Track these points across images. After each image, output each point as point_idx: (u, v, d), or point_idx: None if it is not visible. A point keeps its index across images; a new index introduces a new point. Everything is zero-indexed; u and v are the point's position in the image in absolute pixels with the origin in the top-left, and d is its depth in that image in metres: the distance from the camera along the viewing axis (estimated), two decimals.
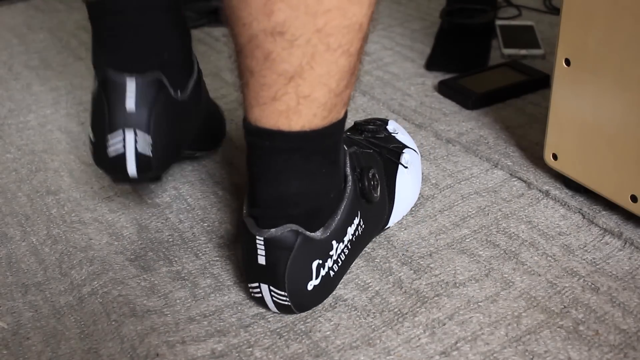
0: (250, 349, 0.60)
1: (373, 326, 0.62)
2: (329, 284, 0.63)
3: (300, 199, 0.60)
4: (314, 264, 0.61)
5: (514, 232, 0.72)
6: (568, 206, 0.75)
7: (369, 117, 0.95)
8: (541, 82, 1.00)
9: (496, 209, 0.76)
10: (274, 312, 0.63)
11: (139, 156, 0.62)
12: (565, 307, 0.62)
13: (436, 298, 0.64)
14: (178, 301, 0.66)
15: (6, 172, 0.89)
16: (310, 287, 0.61)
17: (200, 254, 0.71)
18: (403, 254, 0.70)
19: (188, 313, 0.64)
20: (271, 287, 0.60)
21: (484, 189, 0.79)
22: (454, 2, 1.24)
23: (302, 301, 0.62)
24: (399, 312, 0.63)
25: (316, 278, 0.61)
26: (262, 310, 0.64)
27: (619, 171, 0.69)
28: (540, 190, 0.78)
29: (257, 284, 0.61)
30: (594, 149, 0.71)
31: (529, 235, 0.71)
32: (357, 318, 0.63)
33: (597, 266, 0.67)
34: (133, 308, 0.65)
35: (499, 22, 1.22)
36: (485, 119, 0.94)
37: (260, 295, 0.61)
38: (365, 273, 0.68)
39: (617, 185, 0.69)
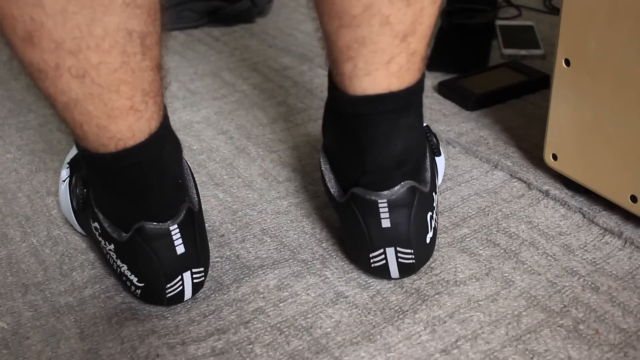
0: (251, 346, 0.60)
1: (374, 323, 0.62)
2: (435, 235, 0.66)
3: (406, 155, 0.62)
4: (428, 216, 0.63)
5: (514, 232, 0.72)
6: (568, 206, 0.75)
7: None
8: (541, 82, 1.00)
9: (496, 209, 0.76)
10: (391, 281, 0.65)
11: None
12: (565, 306, 0.62)
13: (437, 296, 0.64)
14: (179, 304, 0.65)
15: (6, 172, 0.89)
16: (428, 240, 0.64)
17: None
18: None
19: (188, 314, 0.64)
20: (397, 249, 0.62)
21: (484, 190, 0.79)
22: (454, 2, 1.24)
23: (423, 256, 0.64)
24: (399, 309, 0.63)
25: (430, 230, 0.64)
26: (261, 305, 0.64)
27: (619, 171, 0.69)
28: (540, 191, 0.78)
29: (381, 251, 0.62)
30: (594, 149, 0.71)
31: (529, 234, 0.72)
32: (358, 315, 0.63)
33: (597, 266, 0.67)
34: (134, 312, 0.65)
35: (499, 22, 1.22)
36: (485, 120, 0.94)
37: (384, 261, 0.63)
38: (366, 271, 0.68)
39: (617, 185, 0.69)
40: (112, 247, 0.63)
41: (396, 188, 0.61)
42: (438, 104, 0.99)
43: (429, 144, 0.70)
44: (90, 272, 0.70)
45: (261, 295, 0.66)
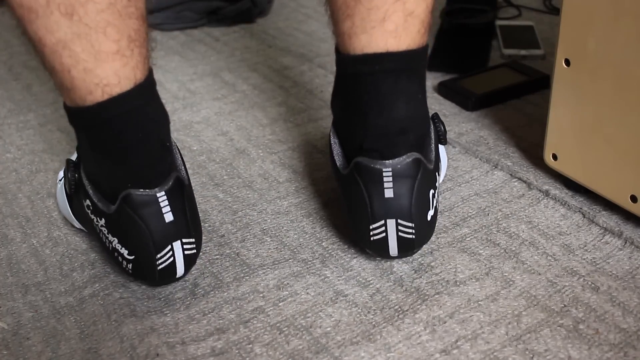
0: (250, 345, 0.60)
1: (373, 322, 0.62)
2: (436, 215, 0.66)
3: (410, 123, 0.63)
4: (430, 193, 0.63)
5: (514, 232, 0.72)
6: (568, 206, 0.75)
7: None
8: (541, 82, 1.00)
9: (496, 209, 0.76)
10: (390, 258, 0.65)
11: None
12: (565, 306, 0.62)
13: (437, 296, 0.64)
14: (178, 301, 0.66)
15: (6, 172, 0.89)
16: (429, 217, 0.63)
17: (200, 254, 0.71)
18: None
19: (187, 312, 0.64)
20: (398, 221, 0.62)
21: (484, 190, 0.79)
22: (454, 2, 1.24)
23: (423, 233, 0.64)
24: (399, 309, 0.63)
25: (432, 207, 0.64)
26: (261, 304, 0.64)
27: (619, 171, 0.69)
28: (540, 191, 0.78)
29: (382, 222, 0.62)
30: (594, 149, 0.71)
31: (529, 234, 0.72)
32: (358, 314, 0.63)
33: (597, 265, 0.67)
34: (133, 309, 0.65)
35: (499, 22, 1.22)
36: (485, 120, 0.94)
37: (384, 234, 0.62)
38: (366, 270, 0.68)
39: (617, 185, 0.69)
40: (102, 221, 0.63)
41: (401, 158, 0.61)
42: (438, 104, 0.99)
43: (435, 129, 0.71)
44: (91, 272, 0.70)
45: (261, 295, 0.66)
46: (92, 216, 0.65)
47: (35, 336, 0.63)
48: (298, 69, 1.13)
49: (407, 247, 0.64)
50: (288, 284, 0.67)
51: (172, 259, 0.62)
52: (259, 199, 0.80)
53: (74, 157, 0.78)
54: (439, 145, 0.72)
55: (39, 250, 0.74)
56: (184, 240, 0.62)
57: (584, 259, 0.68)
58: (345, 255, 0.70)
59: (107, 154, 0.61)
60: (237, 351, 0.60)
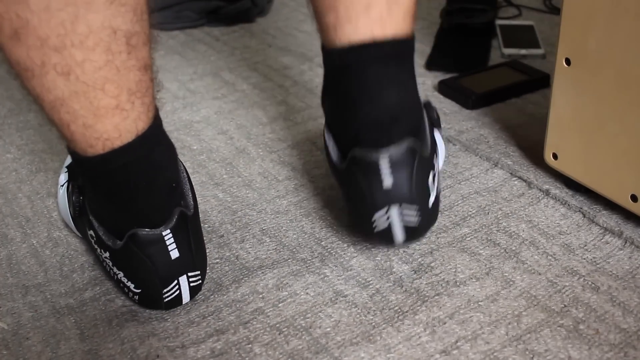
0: (250, 346, 0.60)
1: (373, 323, 0.62)
2: (438, 201, 0.66)
3: (401, 111, 0.63)
4: (430, 178, 0.63)
5: (514, 231, 0.72)
6: (568, 205, 0.75)
7: None
8: (541, 81, 1.00)
9: (496, 208, 0.76)
10: (396, 246, 0.65)
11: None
12: (565, 306, 0.62)
13: (437, 297, 0.64)
14: (179, 306, 0.65)
15: (6, 172, 0.89)
16: (430, 203, 0.63)
17: None
18: (404, 252, 0.70)
19: (188, 316, 0.64)
20: (402, 205, 0.62)
21: (484, 189, 0.79)
22: (454, 2, 1.24)
23: (427, 218, 0.64)
24: (399, 310, 0.63)
25: (432, 193, 0.64)
26: (261, 305, 0.64)
27: (619, 171, 0.69)
28: (540, 190, 0.78)
29: (384, 210, 0.62)
30: (594, 148, 0.71)
31: (529, 234, 0.71)
32: (358, 315, 0.63)
33: (598, 265, 0.67)
34: (134, 314, 0.65)
35: (499, 22, 1.22)
36: (485, 119, 0.93)
37: (387, 222, 0.62)
38: (366, 270, 0.68)
39: (617, 184, 0.69)
40: (107, 254, 0.63)
41: (397, 145, 0.61)
42: (438, 102, 0.98)
43: (428, 115, 0.71)
44: (91, 274, 0.70)
45: (260, 296, 0.66)
46: (96, 246, 0.65)
47: (35, 336, 0.63)
48: (298, 68, 1.13)
49: (413, 233, 0.64)
50: (287, 284, 0.67)
51: (178, 291, 0.63)
52: (259, 199, 0.80)
53: (70, 158, 0.78)
54: (434, 129, 0.72)
55: (39, 250, 0.74)
56: (189, 274, 0.63)
57: (584, 259, 0.68)
58: (344, 254, 0.70)
59: (111, 200, 0.61)
60: (236, 352, 0.60)
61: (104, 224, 0.63)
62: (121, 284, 0.64)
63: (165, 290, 0.62)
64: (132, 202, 0.60)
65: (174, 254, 0.61)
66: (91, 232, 0.65)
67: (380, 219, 0.63)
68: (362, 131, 0.63)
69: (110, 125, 0.56)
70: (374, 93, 0.62)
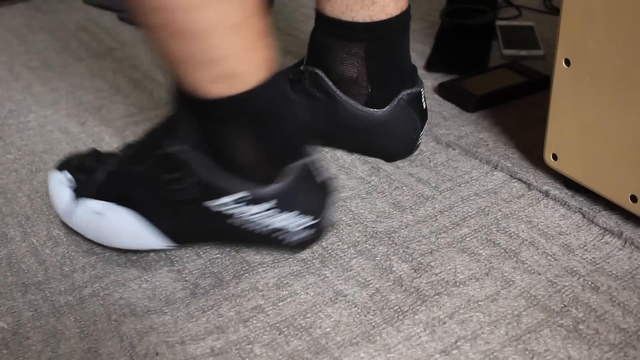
0: (250, 346, 0.60)
1: (373, 323, 0.62)
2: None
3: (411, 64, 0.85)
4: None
5: (514, 232, 0.72)
6: (568, 206, 0.75)
7: None
8: (541, 83, 1.00)
9: (496, 209, 0.76)
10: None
11: None
12: (565, 306, 0.62)
13: (436, 297, 0.64)
14: (178, 300, 0.66)
15: (6, 172, 0.89)
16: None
17: (201, 253, 0.71)
18: (404, 251, 0.70)
19: (187, 309, 0.64)
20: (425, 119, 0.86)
21: (484, 191, 0.79)
22: (454, 2, 1.25)
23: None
24: (399, 309, 0.63)
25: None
26: (261, 303, 0.65)
27: (619, 171, 0.69)
28: (540, 191, 0.78)
29: (423, 126, 0.85)
30: (594, 149, 0.71)
31: (529, 234, 0.72)
32: (358, 315, 0.63)
33: (597, 265, 0.67)
34: (133, 309, 0.65)
35: (499, 23, 1.22)
36: (484, 122, 0.94)
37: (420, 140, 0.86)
38: (365, 270, 0.68)
39: (617, 185, 0.69)
40: (265, 205, 0.65)
41: (417, 83, 0.85)
42: (438, 105, 0.98)
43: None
44: (92, 273, 0.70)
45: (260, 293, 0.66)
46: (236, 210, 0.65)
47: (35, 336, 0.63)
48: None
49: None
50: (287, 283, 0.67)
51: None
52: None
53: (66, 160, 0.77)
54: None
55: (38, 249, 0.74)
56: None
57: (584, 259, 0.68)
58: (344, 254, 0.70)
59: (268, 135, 0.64)
60: (236, 351, 0.60)
61: (250, 176, 0.64)
62: (286, 231, 0.67)
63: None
64: (285, 135, 0.65)
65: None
66: (225, 199, 0.64)
67: (423, 133, 0.86)
68: (410, 78, 0.83)
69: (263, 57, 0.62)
70: (405, 53, 0.84)
